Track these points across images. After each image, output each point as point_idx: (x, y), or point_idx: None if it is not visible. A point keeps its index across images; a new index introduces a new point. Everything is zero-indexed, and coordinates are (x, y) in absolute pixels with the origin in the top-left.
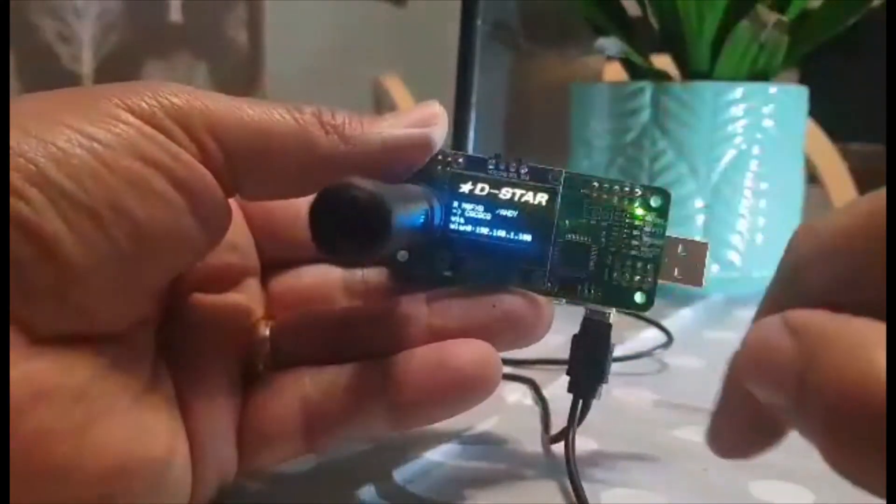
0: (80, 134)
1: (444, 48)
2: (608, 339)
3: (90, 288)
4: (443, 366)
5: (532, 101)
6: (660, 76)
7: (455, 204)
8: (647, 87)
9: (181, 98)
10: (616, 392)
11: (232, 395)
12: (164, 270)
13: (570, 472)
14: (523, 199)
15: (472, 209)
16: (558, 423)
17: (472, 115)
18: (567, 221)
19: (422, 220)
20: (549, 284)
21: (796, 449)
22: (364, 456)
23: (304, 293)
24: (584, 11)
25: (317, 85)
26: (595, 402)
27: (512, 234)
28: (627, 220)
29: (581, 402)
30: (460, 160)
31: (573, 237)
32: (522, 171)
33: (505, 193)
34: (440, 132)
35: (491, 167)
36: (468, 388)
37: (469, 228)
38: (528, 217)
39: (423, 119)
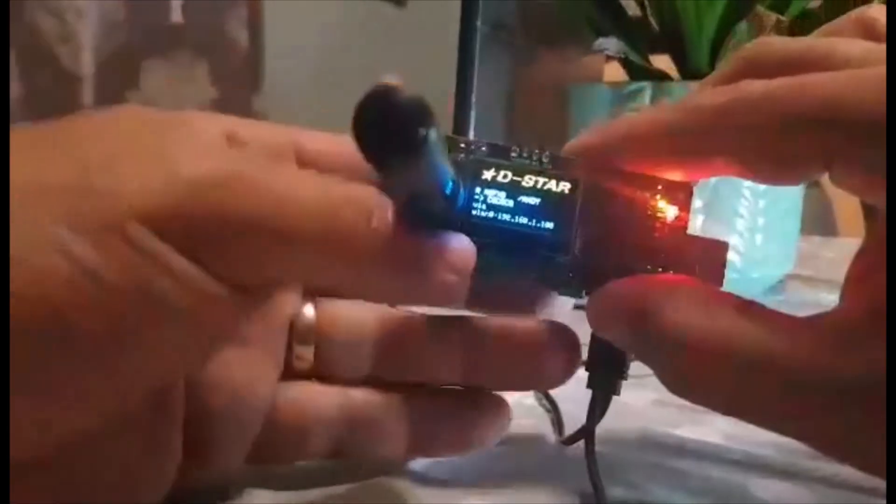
0: (73, 262)
1: (444, 48)
2: None
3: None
4: (461, 418)
5: (532, 101)
6: (659, 76)
7: (477, 191)
8: (647, 87)
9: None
10: None
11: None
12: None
13: (591, 471)
14: (546, 187)
15: (495, 196)
16: (567, 425)
17: (472, 115)
18: (590, 211)
19: (451, 185)
20: (571, 275)
21: (796, 449)
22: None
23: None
24: (583, 11)
25: (316, 85)
26: None
27: (534, 221)
28: (649, 213)
29: (600, 398)
30: (483, 147)
31: (595, 227)
32: (545, 160)
33: (528, 181)
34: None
35: (514, 154)
36: (476, 443)
37: (491, 215)
38: (551, 205)
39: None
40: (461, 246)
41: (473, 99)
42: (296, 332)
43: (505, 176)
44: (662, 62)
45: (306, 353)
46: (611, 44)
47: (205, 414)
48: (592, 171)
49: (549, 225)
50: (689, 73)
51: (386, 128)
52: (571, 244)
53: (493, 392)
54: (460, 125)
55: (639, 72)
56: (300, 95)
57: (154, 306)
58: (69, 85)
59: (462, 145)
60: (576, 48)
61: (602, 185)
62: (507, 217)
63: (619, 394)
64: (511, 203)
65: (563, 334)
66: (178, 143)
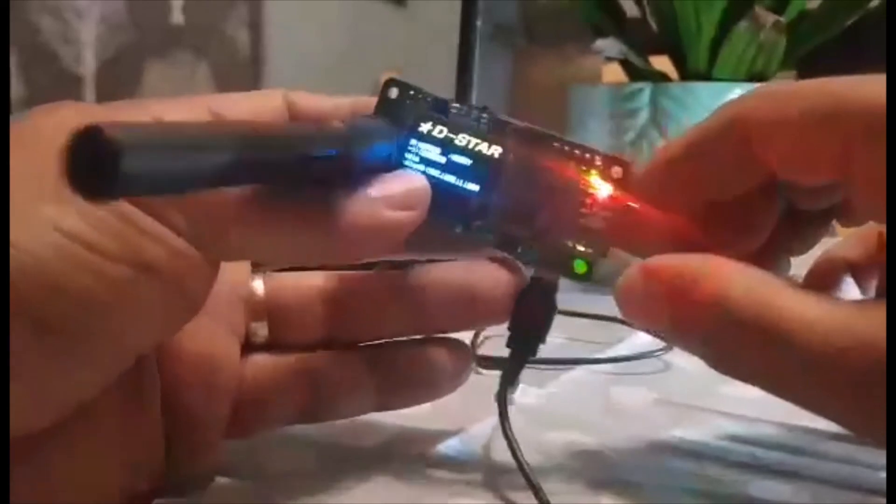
0: (69, 235)
1: (444, 48)
2: (552, 298)
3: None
4: (426, 361)
5: (532, 101)
6: (658, 77)
7: (412, 142)
8: (646, 87)
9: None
10: (616, 390)
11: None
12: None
13: (504, 431)
14: (477, 149)
15: (427, 150)
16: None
17: None
18: (519, 178)
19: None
20: (491, 237)
21: (797, 448)
22: (362, 454)
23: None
24: (583, 12)
25: (317, 85)
26: (594, 401)
27: (461, 181)
28: (582, 187)
29: (517, 358)
30: (429, 99)
31: (522, 194)
32: (482, 121)
33: (461, 140)
34: (420, 216)
35: (453, 111)
36: (445, 384)
37: (422, 168)
38: (480, 167)
39: (409, 200)
40: (404, 185)
41: (473, 99)
42: (249, 307)
43: (440, 131)
44: (661, 63)
45: (260, 328)
46: (609, 45)
47: (179, 387)
48: (529, 136)
49: (475, 187)
50: (689, 73)
51: (87, 169)
52: (494, 209)
53: (453, 336)
54: None
55: (638, 72)
56: None
57: (147, 271)
58: (70, 85)
59: (411, 92)
60: (575, 49)
61: (537, 152)
62: (436, 173)
63: (535, 355)
64: (443, 160)
65: (503, 266)
66: None
